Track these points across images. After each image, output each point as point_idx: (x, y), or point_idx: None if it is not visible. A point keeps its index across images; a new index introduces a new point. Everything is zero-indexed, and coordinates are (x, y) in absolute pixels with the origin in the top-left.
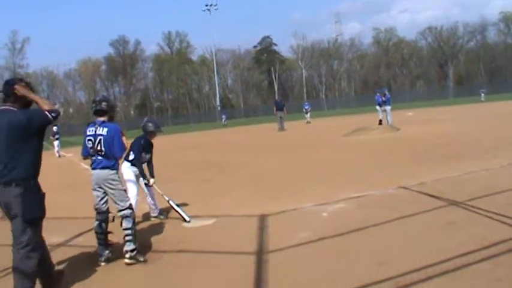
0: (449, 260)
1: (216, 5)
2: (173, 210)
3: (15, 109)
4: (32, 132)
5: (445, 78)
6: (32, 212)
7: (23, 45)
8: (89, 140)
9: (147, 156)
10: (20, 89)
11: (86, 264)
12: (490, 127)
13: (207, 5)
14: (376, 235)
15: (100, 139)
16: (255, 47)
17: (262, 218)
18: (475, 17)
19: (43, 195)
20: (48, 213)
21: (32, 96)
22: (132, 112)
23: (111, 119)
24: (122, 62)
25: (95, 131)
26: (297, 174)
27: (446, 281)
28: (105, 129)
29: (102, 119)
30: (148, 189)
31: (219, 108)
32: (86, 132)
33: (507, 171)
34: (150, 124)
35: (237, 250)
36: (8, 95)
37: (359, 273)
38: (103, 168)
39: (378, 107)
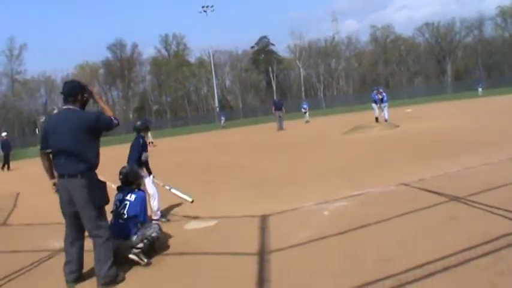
0: (451, 255)
1: (212, 6)
2: (175, 214)
3: (78, 109)
4: (96, 131)
5: (443, 74)
6: (99, 199)
7: (21, 51)
8: (114, 203)
9: (147, 154)
10: (96, 95)
11: (87, 267)
12: (488, 122)
13: (203, 7)
14: (378, 232)
15: (126, 203)
16: (252, 47)
17: (264, 218)
18: (473, 12)
19: (105, 184)
20: (50, 219)
21: (101, 102)
22: (131, 116)
23: (138, 185)
24: (120, 66)
25: (123, 197)
26: (297, 173)
27: (448, 276)
28: (133, 196)
29: (130, 187)
30: (154, 192)
31: (217, 109)
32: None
33: (507, 165)
34: (138, 123)
35: (239, 251)
36: (69, 95)
37: (361, 271)
38: (122, 238)
39: (373, 105)
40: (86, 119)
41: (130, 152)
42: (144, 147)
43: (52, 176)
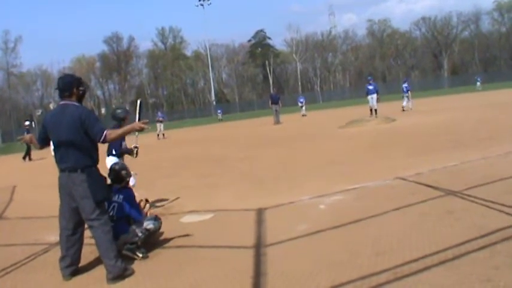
0: (447, 249)
1: None
2: (171, 206)
3: (76, 103)
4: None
5: (440, 68)
6: (99, 194)
7: (16, 44)
8: None
9: (124, 143)
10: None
11: (85, 260)
12: (485, 116)
13: (200, 0)
14: (374, 226)
15: (114, 205)
16: (249, 41)
17: (260, 212)
18: (469, 7)
19: (105, 179)
20: (46, 212)
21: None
22: (127, 109)
23: (127, 183)
24: (116, 59)
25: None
26: (293, 167)
27: (444, 270)
28: (121, 196)
29: (118, 186)
30: None
31: (214, 103)
32: None
33: (504, 160)
34: (119, 110)
35: (235, 244)
36: (64, 90)
37: (358, 265)
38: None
39: (368, 97)
40: (80, 113)
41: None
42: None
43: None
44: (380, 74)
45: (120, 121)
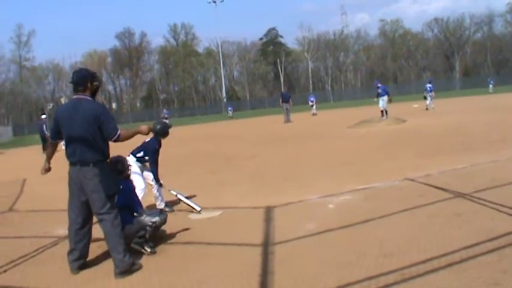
0: (455, 252)
1: None
2: (180, 202)
3: (89, 98)
4: (98, 125)
5: (452, 69)
6: (110, 188)
7: (29, 38)
8: None
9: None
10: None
11: (93, 254)
12: (496, 119)
13: None
14: (382, 227)
15: None
16: (261, 39)
17: (268, 210)
18: (482, 9)
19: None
20: (56, 206)
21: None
22: (138, 104)
23: (127, 176)
24: (128, 55)
25: None
26: (302, 166)
27: (452, 272)
28: (121, 187)
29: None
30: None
31: (225, 100)
32: None
33: None
34: (158, 126)
35: (243, 242)
36: (78, 85)
37: (365, 265)
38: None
39: (379, 99)
40: (94, 108)
41: (140, 148)
42: (159, 152)
43: (48, 162)
44: (391, 75)
45: (158, 136)
